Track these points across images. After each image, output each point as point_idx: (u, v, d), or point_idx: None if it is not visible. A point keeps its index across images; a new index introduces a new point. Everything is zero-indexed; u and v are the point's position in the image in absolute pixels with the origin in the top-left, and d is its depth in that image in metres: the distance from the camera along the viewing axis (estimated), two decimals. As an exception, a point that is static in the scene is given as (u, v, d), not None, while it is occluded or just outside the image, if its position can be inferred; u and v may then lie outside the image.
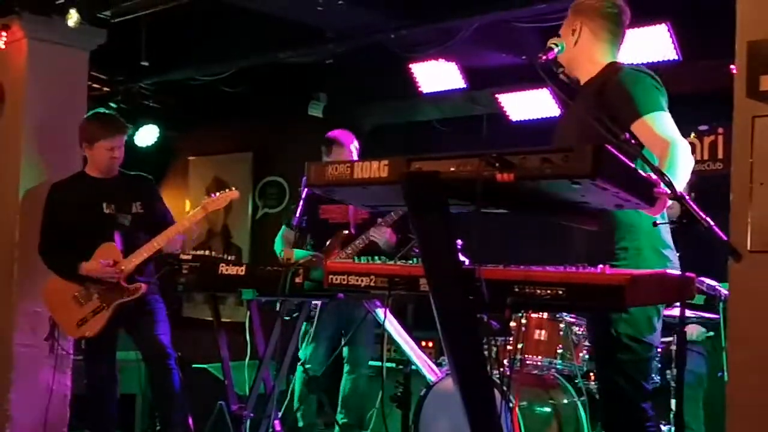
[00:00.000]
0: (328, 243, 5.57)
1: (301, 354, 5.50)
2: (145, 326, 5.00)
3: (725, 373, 3.60)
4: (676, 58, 5.50)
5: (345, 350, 5.84)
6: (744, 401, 3.34)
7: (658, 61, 5.55)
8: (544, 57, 3.19)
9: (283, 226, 6.05)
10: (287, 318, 4.46)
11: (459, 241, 2.40)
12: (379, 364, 6.15)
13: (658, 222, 2.87)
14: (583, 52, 3.28)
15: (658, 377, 4.60)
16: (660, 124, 3.00)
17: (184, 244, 5.04)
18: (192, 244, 5.16)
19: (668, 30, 5.42)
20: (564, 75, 3.35)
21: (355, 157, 5.65)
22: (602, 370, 3.26)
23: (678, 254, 3.14)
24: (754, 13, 3.33)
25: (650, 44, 5.51)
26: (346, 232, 5.61)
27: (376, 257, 2.73)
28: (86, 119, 5.24)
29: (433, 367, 4.92)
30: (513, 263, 2.41)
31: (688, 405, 4.90)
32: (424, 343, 5.93)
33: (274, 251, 5.91)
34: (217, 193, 5.02)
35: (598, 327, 3.16)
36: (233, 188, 5.13)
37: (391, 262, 2.70)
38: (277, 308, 4.40)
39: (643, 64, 5.47)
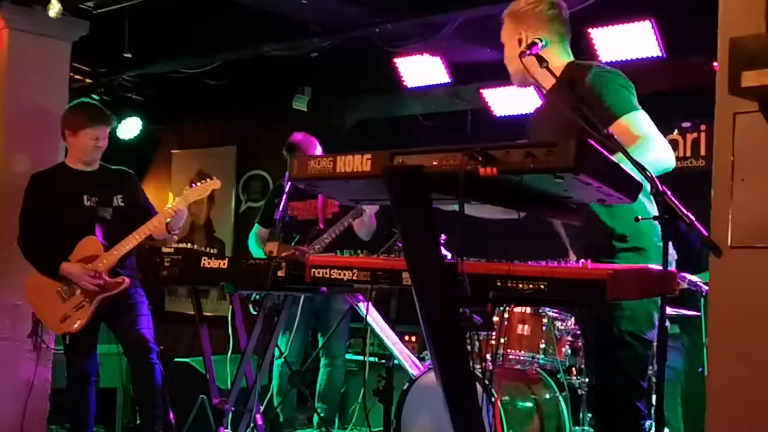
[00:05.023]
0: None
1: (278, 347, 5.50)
2: (127, 320, 4.97)
3: (705, 369, 3.62)
4: (660, 55, 5.53)
5: (320, 342, 5.84)
6: (724, 396, 3.36)
7: (642, 58, 5.58)
8: (528, 52, 3.16)
9: (256, 225, 6.03)
10: (269, 312, 4.45)
11: (442, 236, 2.40)
12: (360, 357, 6.16)
13: (640, 217, 2.88)
14: (537, 60, 3.18)
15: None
16: (636, 123, 3.00)
17: (170, 230, 4.99)
18: (174, 237, 5.14)
19: (652, 27, 5.45)
20: (533, 78, 3.31)
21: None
22: (600, 367, 3.20)
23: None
24: (736, 9, 3.34)
25: (634, 41, 5.54)
26: (317, 227, 5.62)
27: (359, 251, 2.73)
28: (70, 108, 5.22)
29: (416, 361, 4.92)
30: (495, 258, 2.41)
31: (667, 400, 4.92)
32: (406, 338, 5.93)
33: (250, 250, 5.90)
34: (198, 183, 5.00)
35: (598, 325, 3.10)
36: (214, 178, 5.10)
37: (374, 256, 2.70)
38: (260, 302, 4.38)
39: (626, 61, 5.56)
